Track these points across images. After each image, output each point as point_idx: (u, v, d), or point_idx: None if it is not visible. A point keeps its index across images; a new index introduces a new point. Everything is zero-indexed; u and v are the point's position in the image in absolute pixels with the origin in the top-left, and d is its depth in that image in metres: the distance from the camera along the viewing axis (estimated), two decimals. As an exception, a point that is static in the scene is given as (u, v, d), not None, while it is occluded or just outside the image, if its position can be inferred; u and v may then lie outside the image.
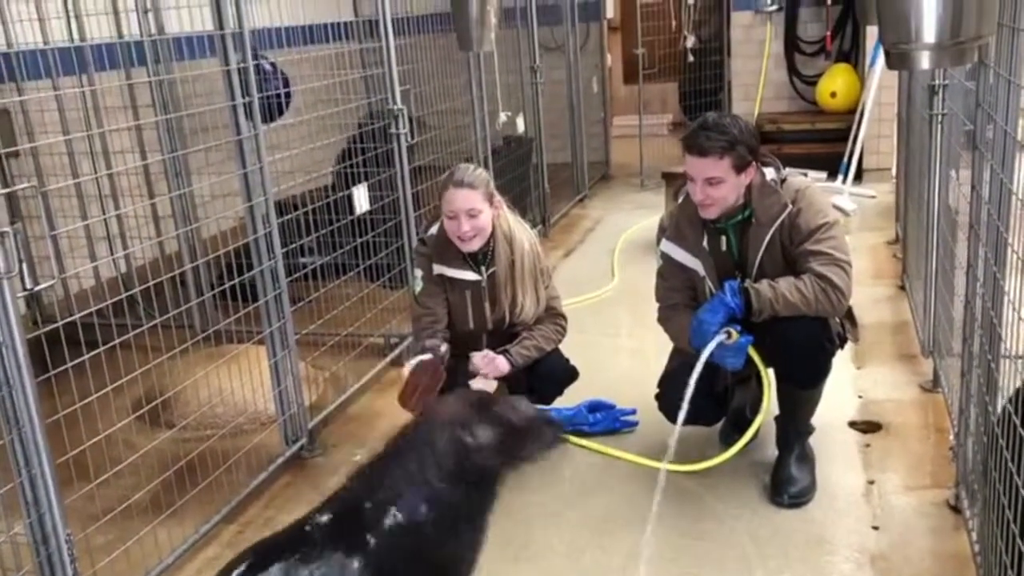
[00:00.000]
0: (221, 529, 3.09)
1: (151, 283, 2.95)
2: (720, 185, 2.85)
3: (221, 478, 3.12)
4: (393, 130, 4.13)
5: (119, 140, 4.71)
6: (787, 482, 3.00)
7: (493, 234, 3.28)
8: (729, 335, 2.80)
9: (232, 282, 3.45)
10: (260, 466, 3.35)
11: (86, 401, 2.57)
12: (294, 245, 3.67)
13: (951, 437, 3.11)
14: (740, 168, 2.85)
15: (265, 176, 3.29)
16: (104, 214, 4.54)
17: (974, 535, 2.52)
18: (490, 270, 3.30)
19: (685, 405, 2.81)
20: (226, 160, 3.49)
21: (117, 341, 2.72)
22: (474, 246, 3.24)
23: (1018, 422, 1.90)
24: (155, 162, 4.63)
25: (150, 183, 4.94)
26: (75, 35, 4.60)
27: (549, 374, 3.42)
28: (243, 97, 3.16)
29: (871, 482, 3.09)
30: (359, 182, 4.08)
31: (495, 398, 2.31)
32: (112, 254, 4.29)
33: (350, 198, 4.02)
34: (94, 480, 2.59)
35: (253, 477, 3.28)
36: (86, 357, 2.57)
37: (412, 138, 4.19)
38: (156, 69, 4.54)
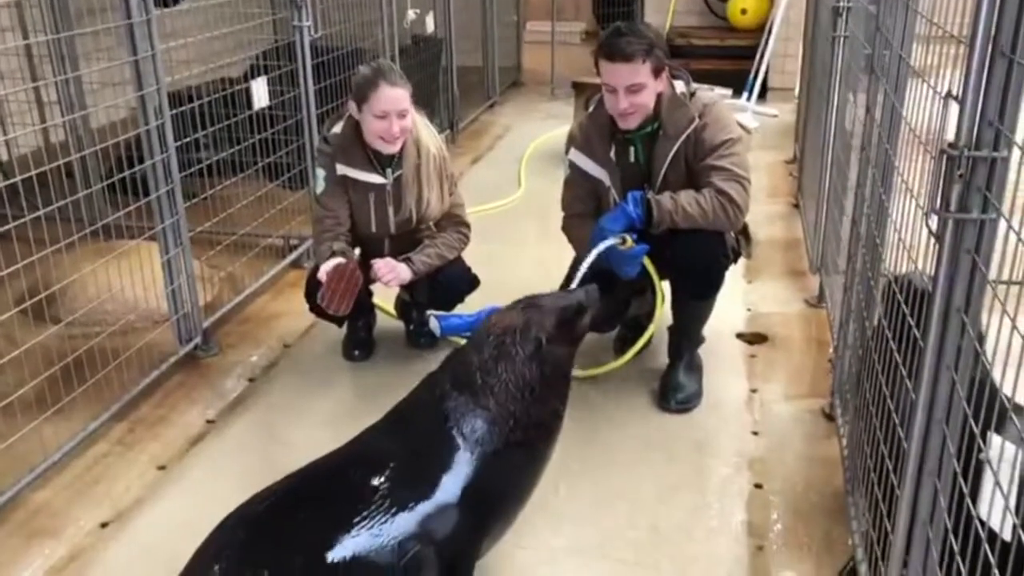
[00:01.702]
0: (111, 427, 3.05)
1: (34, 172, 2.80)
2: (642, 91, 2.86)
3: (111, 376, 3.06)
4: (296, 22, 3.96)
5: (-3, 17, 4.40)
6: (675, 389, 3.13)
7: (402, 137, 3.22)
8: (624, 241, 2.86)
9: (122, 175, 3.31)
10: (152, 364, 3.29)
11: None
12: (188, 139, 3.52)
13: (831, 350, 3.27)
14: (657, 72, 2.87)
15: (158, 64, 3.14)
16: (-19, 97, 4.26)
17: (844, 441, 2.68)
18: (396, 173, 3.25)
19: (579, 275, 2.88)
20: (116, 46, 3.29)
21: (-3, 232, 2.59)
22: (396, 147, 3.18)
23: (890, 336, 2.01)
24: (39, 43, 4.34)
25: (33, 66, 4.64)
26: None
27: (450, 282, 3.43)
28: (134, -23, 2.98)
29: (754, 391, 3.24)
30: (260, 75, 3.93)
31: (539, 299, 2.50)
32: (-9, 140, 4.03)
33: (248, 92, 3.86)
34: (-27, 375, 2.51)
35: (145, 375, 3.22)
36: (-38, 248, 2.45)
37: (316, 31, 4.03)
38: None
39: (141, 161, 3.22)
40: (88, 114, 4.26)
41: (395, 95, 3.08)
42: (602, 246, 2.87)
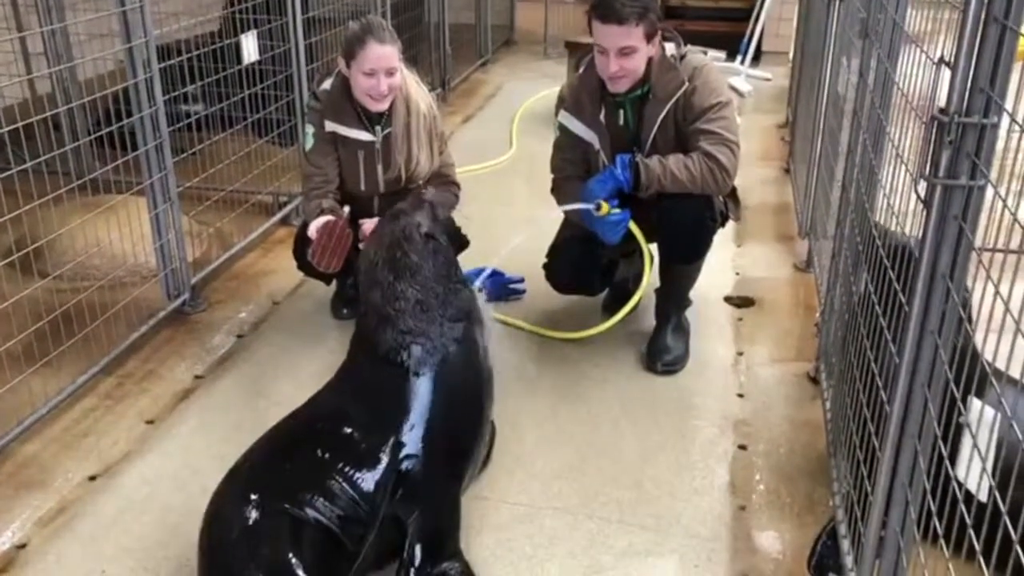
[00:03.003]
0: (99, 381, 3.05)
1: (20, 124, 2.77)
2: (633, 55, 2.83)
3: (99, 330, 3.05)
4: (286, -25, 3.91)
5: (-18, -35, 4.32)
6: (662, 351, 3.15)
7: (391, 94, 3.20)
8: (599, 207, 2.86)
9: (110, 128, 3.28)
10: (140, 320, 3.29)
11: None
12: (177, 93, 3.49)
13: (817, 314, 3.29)
14: (650, 36, 2.85)
15: (146, 16, 3.09)
16: (-34, 47, 4.19)
17: (828, 404, 2.71)
18: (385, 131, 3.23)
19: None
20: (104, -5, 3.25)
21: (-17, 184, 2.57)
22: (384, 105, 3.15)
23: (876, 300, 2.02)
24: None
25: (19, 16, 4.57)
26: None
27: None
28: (121, -74, 2.93)
29: (740, 354, 3.27)
30: (248, 30, 3.88)
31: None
32: (-24, 91, 3.99)
33: (238, 46, 3.82)
34: (-40, 328, 2.50)
35: (133, 330, 3.22)
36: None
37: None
38: None
39: (129, 115, 3.19)
40: (75, 66, 4.21)
41: (383, 52, 3.05)
42: (575, 206, 2.89)
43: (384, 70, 3.06)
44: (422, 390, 2.32)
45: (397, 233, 2.49)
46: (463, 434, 2.39)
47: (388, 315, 2.39)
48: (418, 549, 2.11)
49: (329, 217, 3.05)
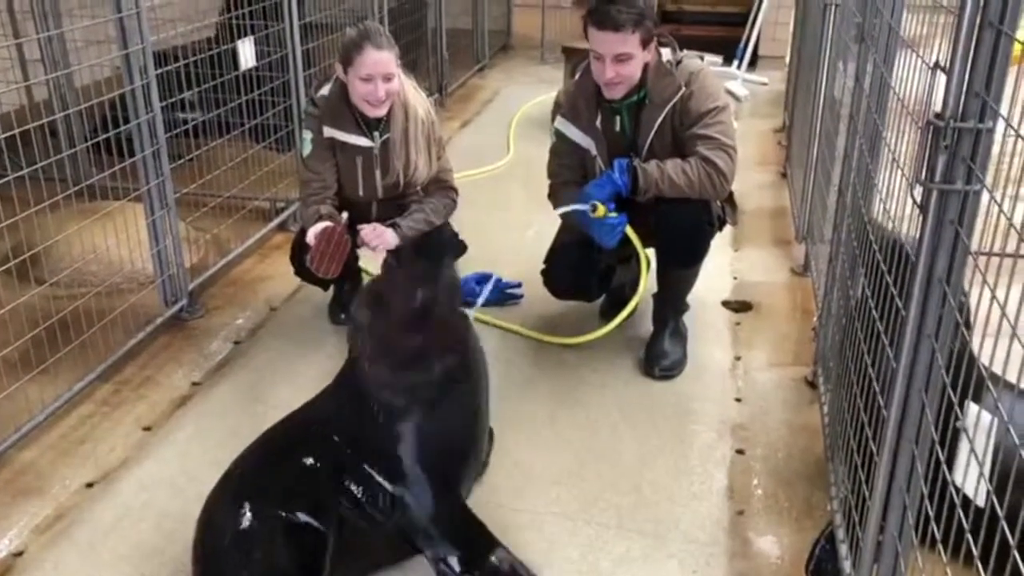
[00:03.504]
0: (96, 388, 3.05)
1: (17, 131, 2.77)
2: (629, 62, 2.84)
3: (96, 337, 3.05)
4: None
5: (-22, -28, 4.32)
6: (659, 356, 3.15)
7: (390, 100, 3.20)
8: (594, 208, 2.86)
9: (107, 135, 3.28)
10: (138, 326, 3.28)
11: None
12: (174, 99, 3.49)
13: (815, 319, 3.30)
14: (646, 43, 2.85)
15: (143, 22, 3.10)
16: (-37, 54, 4.20)
17: (825, 408, 2.71)
18: (383, 137, 3.23)
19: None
20: (101, 3, 3.25)
21: (-21, 191, 2.57)
22: (382, 111, 3.15)
23: (873, 304, 2.02)
24: (21, -1, 4.28)
25: (15, 22, 4.57)
26: None
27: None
28: (118, -67, 2.93)
29: (738, 358, 3.27)
30: (244, 35, 3.88)
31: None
32: (-27, 98, 3.98)
33: (235, 52, 3.82)
34: (-44, 335, 2.50)
35: (130, 337, 3.22)
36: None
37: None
38: None
39: (126, 121, 3.19)
40: (72, 72, 4.21)
41: (380, 58, 3.05)
42: (571, 207, 2.89)
43: (382, 75, 3.06)
44: (411, 424, 2.29)
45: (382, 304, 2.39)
46: (455, 441, 2.37)
47: (366, 362, 2.34)
48: (443, 552, 2.12)
49: (328, 223, 3.05)
